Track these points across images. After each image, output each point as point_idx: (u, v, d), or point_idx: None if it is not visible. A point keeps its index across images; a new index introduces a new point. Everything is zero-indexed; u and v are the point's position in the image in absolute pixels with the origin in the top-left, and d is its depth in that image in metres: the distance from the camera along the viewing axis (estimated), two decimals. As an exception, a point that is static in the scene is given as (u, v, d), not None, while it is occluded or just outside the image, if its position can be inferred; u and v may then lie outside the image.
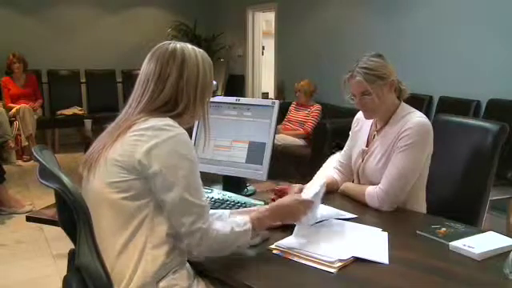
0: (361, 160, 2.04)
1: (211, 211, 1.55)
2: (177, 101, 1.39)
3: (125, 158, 1.31)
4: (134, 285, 1.28)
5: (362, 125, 2.11)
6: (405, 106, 1.97)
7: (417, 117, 1.90)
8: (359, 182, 2.06)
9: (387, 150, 1.92)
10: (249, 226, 1.40)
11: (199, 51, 1.46)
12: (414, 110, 1.96)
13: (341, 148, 2.25)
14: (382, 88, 1.89)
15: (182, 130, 1.34)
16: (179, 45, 1.43)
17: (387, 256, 1.41)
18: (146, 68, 1.42)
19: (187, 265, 1.40)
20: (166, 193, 1.30)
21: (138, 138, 1.31)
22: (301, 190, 1.95)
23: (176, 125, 1.35)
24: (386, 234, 1.57)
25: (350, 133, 2.16)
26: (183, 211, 1.30)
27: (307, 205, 1.54)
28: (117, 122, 1.40)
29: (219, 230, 1.34)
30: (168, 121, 1.35)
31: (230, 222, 1.40)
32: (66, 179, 1.21)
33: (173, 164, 1.29)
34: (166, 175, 1.29)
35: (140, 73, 1.43)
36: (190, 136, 2.05)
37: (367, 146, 2.04)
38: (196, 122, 2.06)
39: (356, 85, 1.91)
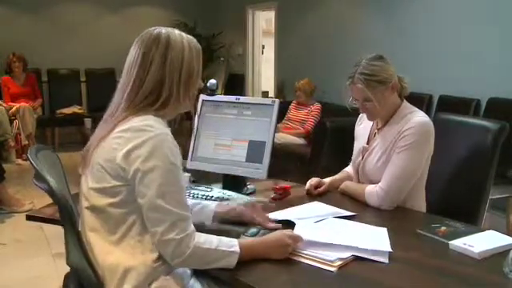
0: (361, 157, 2.04)
1: (194, 201, 1.54)
2: (161, 88, 1.33)
3: (108, 163, 1.28)
4: (124, 286, 1.26)
5: (363, 123, 2.12)
6: (407, 105, 1.96)
7: (418, 116, 1.89)
8: (359, 180, 2.06)
9: (387, 148, 1.92)
10: (236, 248, 1.31)
11: (186, 37, 1.40)
12: (415, 109, 1.96)
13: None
14: (383, 93, 1.88)
15: (163, 130, 1.28)
16: (164, 30, 1.38)
17: (387, 255, 1.41)
18: (130, 54, 1.37)
19: None
20: (141, 198, 1.25)
21: (117, 141, 1.27)
22: (317, 185, 2.00)
23: (157, 124, 1.29)
24: (386, 232, 1.58)
25: (355, 132, 2.16)
26: (155, 219, 1.24)
27: (296, 239, 1.40)
28: (105, 120, 1.37)
29: (201, 244, 1.26)
30: (149, 120, 1.29)
31: (218, 239, 1.31)
32: (50, 179, 1.22)
33: (149, 167, 1.23)
34: (141, 178, 1.24)
35: (126, 60, 1.38)
36: (190, 133, 2.07)
37: (368, 143, 2.04)
38: (196, 121, 2.07)
39: (357, 91, 1.89)
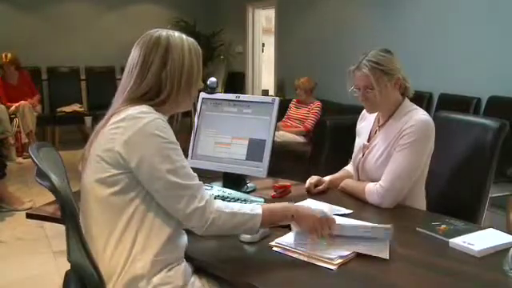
0: (361, 155, 2.05)
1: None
2: (160, 89, 1.37)
3: (107, 152, 1.30)
4: (125, 279, 1.28)
5: (365, 120, 2.12)
6: (408, 103, 1.97)
7: (419, 114, 1.89)
8: (359, 178, 2.06)
9: (388, 146, 1.92)
10: (258, 211, 1.37)
11: (187, 39, 1.42)
12: (416, 107, 1.95)
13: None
14: (386, 84, 1.88)
15: (156, 116, 1.31)
16: (165, 32, 1.40)
17: (388, 251, 1.41)
18: (131, 56, 1.40)
19: (184, 262, 1.39)
20: (154, 182, 1.28)
21: (115, 131, 1.30)
22: (317, 183, 2.01)
23: (151, 111, 1.32)
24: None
25: (356, 130, 2.16)
26: (175, 196, 1.29)
27: (330, 224, 1.43)
28: (107, 114, 1.39)
29: (222, 208, 1.33)
30: (143, 108, 1.32)
31: (239, 204, 1.40)
32: (53, 177, 1.22)
33: (151, 152, 1.27)
34: (148, 164, 1.27)
35: (127, 62, 1.41)
36: (190, 131, 2.07)
37: (369, 140, 2.05)
38: (196, 120, 2.07)
39: (361, 78, 1.90)
